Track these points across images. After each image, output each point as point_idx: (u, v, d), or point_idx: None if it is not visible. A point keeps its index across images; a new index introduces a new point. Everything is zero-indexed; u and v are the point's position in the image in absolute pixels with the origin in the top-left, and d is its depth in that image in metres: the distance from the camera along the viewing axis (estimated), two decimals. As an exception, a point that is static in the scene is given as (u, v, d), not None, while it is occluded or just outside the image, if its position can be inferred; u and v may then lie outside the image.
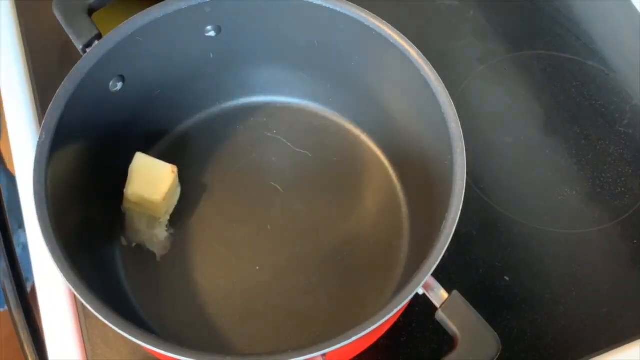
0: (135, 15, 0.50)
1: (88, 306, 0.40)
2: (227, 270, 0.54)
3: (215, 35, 0.54)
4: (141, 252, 0.54)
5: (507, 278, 0.56)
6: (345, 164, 0.59)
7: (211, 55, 0.56)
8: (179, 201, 0.56)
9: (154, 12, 0.50)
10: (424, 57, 0.49)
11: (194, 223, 0.56)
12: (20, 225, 0.58)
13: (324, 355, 0.39)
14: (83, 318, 0.52)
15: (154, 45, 0.52)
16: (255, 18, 0.54)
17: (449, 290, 0.42)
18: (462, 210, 0.43)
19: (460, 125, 0.46)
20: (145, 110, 0.55)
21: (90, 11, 0.52)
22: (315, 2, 0.51)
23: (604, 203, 0.60)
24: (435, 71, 0.48)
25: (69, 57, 0.54)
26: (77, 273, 0.41)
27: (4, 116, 0.62)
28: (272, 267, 0.54)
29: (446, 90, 0.47)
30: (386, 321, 0.40)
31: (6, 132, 0.61)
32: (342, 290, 0.53)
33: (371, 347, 0.50)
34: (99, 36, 0.50)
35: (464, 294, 0.42)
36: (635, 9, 0.73)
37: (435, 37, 0.69)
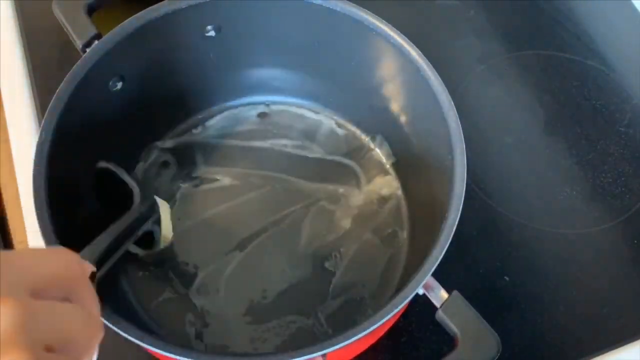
0: (135, 15, 0.50)
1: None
2: (228, 267, 0.54)
3: (215, 35, 0.54)
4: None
5: (507, 278, 0.56)
6: (345, 164, 0.59)
7: (211, 55, 0.56)
8: (182, 199, 0.56)
9: (154, 12, 0.50)
10: (424, 57, 0.49)
11: (196, 220, 0.56)
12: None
13: (324, 355, 0.39)
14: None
15: (154, 45, 0.52)
16: (255, 18, 0.54)
17: (449, 290, 0.42)
18: (462, 210, 0.43)
19: (460, 125, 0.46)
20: (145, 110, 0.55)
21: (90, 11, 0.52)
22: (315, 2, 0.51)
23: (604, 203, 0.60)
24: (435, 71, 0.48)
25: (69, 57, 0.54)
26: (77, 273, 0.41)
27: (4, 116, 0.62)
28: (273, 265, 0.54)
29: (446, 90, 0.47)
30: (386, 321, 0.40)
31: (6, 132, 0.61)
32: (341, 290, 0.53)
33: (371, 347, 0.50)
34: (98, 36, 0.50)
35: (464, 294, 0.42)
36: (635, 9, 0.73)
37: (435, 37, 0.69)
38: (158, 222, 0.51)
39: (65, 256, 0.31)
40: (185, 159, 0.58)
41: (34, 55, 0.65)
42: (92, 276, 0.38)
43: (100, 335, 0.31)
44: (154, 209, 0.51)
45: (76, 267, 0.32)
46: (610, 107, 0.66)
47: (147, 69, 0.53)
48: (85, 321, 0.30)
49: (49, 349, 0.28)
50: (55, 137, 0.45)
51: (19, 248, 0.32)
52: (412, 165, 0.55)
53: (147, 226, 0.50)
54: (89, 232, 0.50)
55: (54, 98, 0.46)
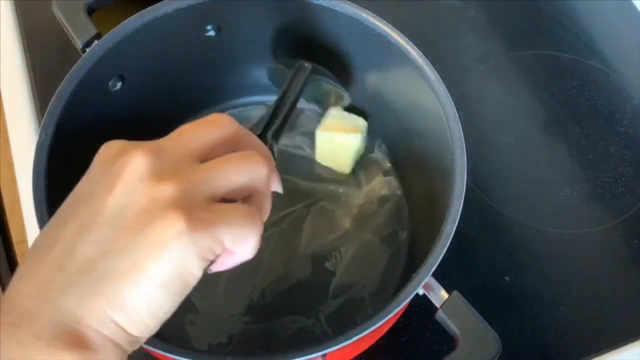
0: (135, 15, 0.50)
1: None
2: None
3: (215, 35, 0.54)
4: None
5: (507, 278, 0.56)
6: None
7: (211, 55, 0.56)
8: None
9: (153, 12, 0.50)
10: (424, 57, 0.49)
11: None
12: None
13: (324, 355, 0.39)
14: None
15: (153, 45, 0.52)
16: (255, 18, 0.54)
17: (449, 291, 0.42)
18: (462, 210, 0.43)
19: (460, 125, 0.46)
20: (144, 110, 0.55)
21: (90, 11, 0.52)
22: (315, 2, 0.51)
23: (604, 203, 0.60)
24: (435, 71, 0.48)
25: (68, 57, 0.54)
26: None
27: (4, 116, 0.62)
28: (273, 265, 0.54)
29: (446, 90, 0.47)
30: (386, 321, 0.40)
31: (6, 132, 0.61)
32: (341, 290, 0.53)
33: (371, 347, 0.50)
34: (98, 36, 0.50)
35: (464, 294, 0.42)
36: (635, 9, 0.73)
37: (435, 37, 0.69)
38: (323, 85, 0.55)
39: (221, 121, 0.35)
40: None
41: (34, 55, 0.65)
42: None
43: (271, 171, 0.34)
44: (304, 73, 0.51)
45: (233, 126, 0.34)
46: (610, 107, 0.66)
47: (147, 69, 0.53)
48: (253, 163, 0.33)
49: (221, 200, 0.31)
50: (55, 137, 0.45)
51: (181, 127, 0.35)
52: (412, 165, 0.55)
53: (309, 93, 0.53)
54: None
55: (53, 98, 0.46)
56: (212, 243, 0.30)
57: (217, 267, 0.33)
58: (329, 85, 0.56)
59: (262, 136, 0.45)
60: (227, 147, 0.34)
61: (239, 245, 0.31)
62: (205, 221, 0.30)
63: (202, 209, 0.30)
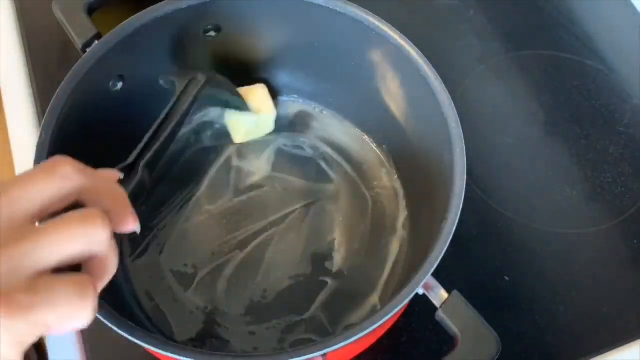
0: (135, 15, 0.50)
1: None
2: (228, 267, 0.54)
3: (215, 35, 0.54)
4: (142, 252, 0.54)
5: (507, 278, 0.56)
6: (345, 164, 0.59)
7: (211, 56, 0.56)
8: (182, 200, 0.56)
9: (154, 12, 0.50)
10: (424, 57, 0.49)
11: (195, 221, 0.56)
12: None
13: (324, 355, 0.39)
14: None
15: (154, 45, 0.52)
16: (255, 18, 0.54)
17: (449, 290, 0.42)
18: (462, 210, 0.43)
19: (460, 125, 0.46)
20: (145, 110, 0.54)
21: (90, 11, 0.52)
22: (315, 2, 0.51)
23: (604, 203, 0.60)
24: (435, 71, 0.48)
25: (69, 57, 0.54)
26: (77, 273, 0.41)
27: (4, 116, 0.62)
28: (273, 264, 0.54)
29: (446, 90, 0.47)
30: (386, 321, 0.40)
31: (6, 132, 0.61)
32: (341, 290, 0.53)
33: (371, 347, 0.50)
34: (98, 36, 0.50)
35: (464, 294, 0.42)
36: (635, 9, 0.73)
37: (435, 37, 0.69)
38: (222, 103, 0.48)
39: (61, 170, 0.29)
40: (186, 160, 0.58)
41: (34, 55, 0.65)
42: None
43: (121, 224, 0.31)
44: (195, 87, 0.45)
45: (75, 177, 0.29)
46: (610, 107, 0.66)
47: (147, 69, 0.53)
48: (91, 228, 0.29)
49: (57, 270, 0.28)
50: (55, 137, 0.45)
51: (8, 181, 0.29)
52: (412, 165, 0.55)
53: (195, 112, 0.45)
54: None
55: (54, 98, 0.46)
56: (32, 328, 0.27)
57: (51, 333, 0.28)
58: (228, 96, 0.51)
59: (132, 167, 0.40)
60: (70, 200, 0.30)
61: (66, 324, 0.28)
62: (25, 306, 0.26)
63: (23, 289, 0.27)
